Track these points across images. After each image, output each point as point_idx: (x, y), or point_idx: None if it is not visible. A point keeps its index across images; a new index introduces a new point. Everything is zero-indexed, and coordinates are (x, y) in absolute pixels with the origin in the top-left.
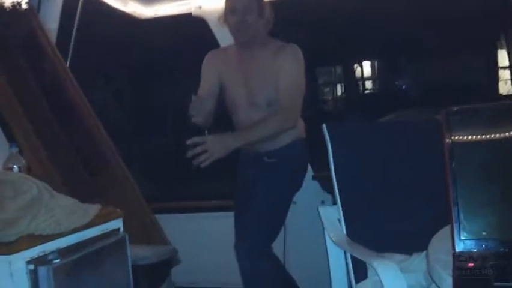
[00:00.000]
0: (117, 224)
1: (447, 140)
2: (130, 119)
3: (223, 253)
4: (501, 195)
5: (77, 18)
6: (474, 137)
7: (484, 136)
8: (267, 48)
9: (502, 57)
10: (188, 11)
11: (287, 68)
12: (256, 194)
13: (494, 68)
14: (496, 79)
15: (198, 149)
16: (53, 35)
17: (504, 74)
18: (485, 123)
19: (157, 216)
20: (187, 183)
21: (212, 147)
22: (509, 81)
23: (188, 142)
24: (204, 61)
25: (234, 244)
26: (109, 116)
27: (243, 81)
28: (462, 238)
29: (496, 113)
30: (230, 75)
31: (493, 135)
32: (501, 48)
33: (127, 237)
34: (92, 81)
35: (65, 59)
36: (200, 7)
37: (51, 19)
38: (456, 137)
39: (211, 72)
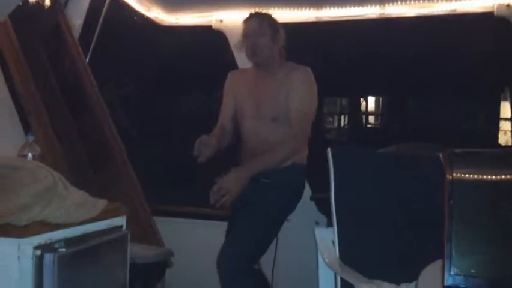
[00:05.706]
0: (121, 221)
1: (448, 178)
2: (137, 121)
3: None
4: (493, 236)
5: (102, 17)
6: (474, 176)
7: (483, 177)
8: (280, 69)
9: (505, 109)
10: (209, 23)
11: (298, 89)
12: (245, 212)
13: (496, 117)
14: (496, 128)
15: (220, 193)
16: (77, 31)
17: (505, 125)
18: (486, 166)
19: (155, 218)
20: (187, 189)
21: (231, 189)
22: (509, 133)
23: (214, 188)
24: (225, 83)
25: (216, 259)
26: (118, 116)
27: (253, 95)
28: (452, 273)
29: (496, 157)
30: (242, 90)
31: (492, 177)
32: (504, 100)
33: (128, 235)
34: (106, 80)
35: (85, 55)
36: (221, 21)
37: (77, 15)
38: (456, 176)
39: (229, 95)
